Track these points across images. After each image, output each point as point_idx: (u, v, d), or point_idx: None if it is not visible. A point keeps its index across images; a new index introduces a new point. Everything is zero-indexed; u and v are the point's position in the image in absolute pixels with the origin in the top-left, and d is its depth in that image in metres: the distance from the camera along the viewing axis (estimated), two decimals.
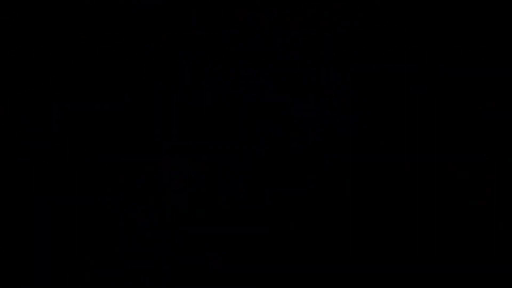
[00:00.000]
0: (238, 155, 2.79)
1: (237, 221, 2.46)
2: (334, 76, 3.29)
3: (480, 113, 3.01)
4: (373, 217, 2.47)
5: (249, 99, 3.12)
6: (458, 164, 2.71)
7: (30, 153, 2.79)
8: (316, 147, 2.82)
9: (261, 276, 2.25)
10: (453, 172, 2.67)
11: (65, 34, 3.63)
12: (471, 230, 2.41)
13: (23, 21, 3.74)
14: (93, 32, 3.65)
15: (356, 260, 2.31)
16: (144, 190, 2.60)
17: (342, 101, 3.11)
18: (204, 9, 3.88)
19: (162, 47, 3.53)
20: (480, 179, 2.64)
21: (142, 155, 2.78)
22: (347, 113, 3.02)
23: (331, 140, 2.86)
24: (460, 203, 2.53)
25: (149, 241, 2.37)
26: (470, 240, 2.38)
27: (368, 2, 3.93)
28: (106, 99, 3.13)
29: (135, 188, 2.61)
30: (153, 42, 3.57)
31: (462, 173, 2.67)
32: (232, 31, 3.66)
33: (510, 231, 2.41)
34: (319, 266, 2.29)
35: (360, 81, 3.25)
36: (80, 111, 3.04)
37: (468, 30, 3.64)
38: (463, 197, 2.55)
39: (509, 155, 2.77)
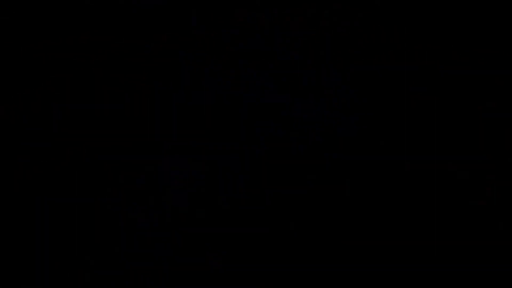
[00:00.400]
0: (238, 155, 2.79)
1: (237, 221, 2.46)
2: (334, 76, 3.29)
3: (480, 113, 3.01)
4: (373, 217, 2.47)
5: (249, 99, 3.12)
6: (458, 164, 2.71)
7: (30, 153, 2.78)
8: (316, 147, 2.82)
9: (261, 276, 2.25)
10: (453, 172, 2.67)
11: (65, 34, 3.63)
12: (471, 230, 2.41)
13: (23, 21, 3.74)
14: (93, 32, 3.65)
15: (356, 260, 2.31)
16: (144, 190, 2.60)
17: (342, 101, 3.11)
18: (204, 9, 3.88)
19: (162, 47, 3.53)
20: (480, 179, 2.64)
21: (142, 155, 2.78)
22: (347, 113, 3.02)
23: (331, 140, 2.86)
24: (460, 203, 2.53)
25: (149, 241, 2.37)
26: (470, 240, 2.37)
27: (368, 2, 3.93)
28: (106, 99, 3.13)
29: (135, 188, 2.61)
30: (153, 42, 3.57)
31: (462, 173, 2.67)
32: (232, 31, 3.66)
33: (510, 231, 2.41)
34: (319, 266, 2.29)
35: (360, 81, 3.25)
36: (80, 111, 3.04)
37: (468, 30, 3.64)
38: (463, 197, 2.55)
39: (509, 155, 2.77)
